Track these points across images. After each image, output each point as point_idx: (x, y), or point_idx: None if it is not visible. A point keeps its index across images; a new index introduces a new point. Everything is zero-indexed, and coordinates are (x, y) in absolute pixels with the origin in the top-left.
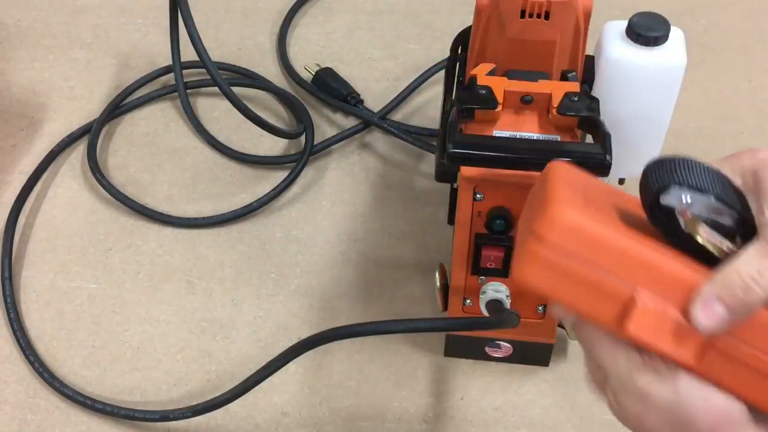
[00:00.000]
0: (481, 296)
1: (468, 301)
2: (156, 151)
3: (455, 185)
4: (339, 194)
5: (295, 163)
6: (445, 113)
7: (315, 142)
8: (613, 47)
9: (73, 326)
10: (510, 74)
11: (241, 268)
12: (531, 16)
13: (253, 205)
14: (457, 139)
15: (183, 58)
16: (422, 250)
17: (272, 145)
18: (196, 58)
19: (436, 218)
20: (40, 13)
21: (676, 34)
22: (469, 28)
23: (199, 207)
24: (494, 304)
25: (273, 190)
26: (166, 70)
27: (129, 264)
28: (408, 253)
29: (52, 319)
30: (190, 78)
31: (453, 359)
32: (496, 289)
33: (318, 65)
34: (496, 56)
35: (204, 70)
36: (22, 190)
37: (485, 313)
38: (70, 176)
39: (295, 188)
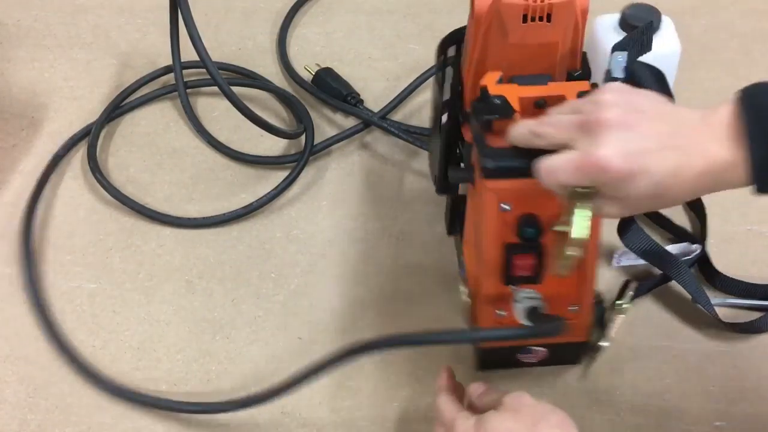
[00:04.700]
0: (516, 305)
1: (501, 311)
2: (156, 151)
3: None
4: (339, 194)
5: (295, 163)
6: (436, 122)
7: (315, 142)
8: (609, 40)
9: (73, 326)
10: (515, 80)
11: (241, 268)
12: (533, 19)
13: (253, 204)
14: (490, 153)
15: (183, 58)
16: (422, 250)
17: (272, 145)
18: (196, 57)
19: (435, 218)
20: (40, 13)
21: (666, 22)
22: (452, 34)
23: (199, 207)
24: (534, 312)
25: (273, 190)
26: (166, 70)
27: (129, 264)
28: (408, 253)
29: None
30: (190, 78)
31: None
32: (530, 296)
33: (318, 65)
34: (497, 64)
35: (204, 70)
36: (31, 197)
37: (523, 322)
38: (70, 176)
39: (295, 188)
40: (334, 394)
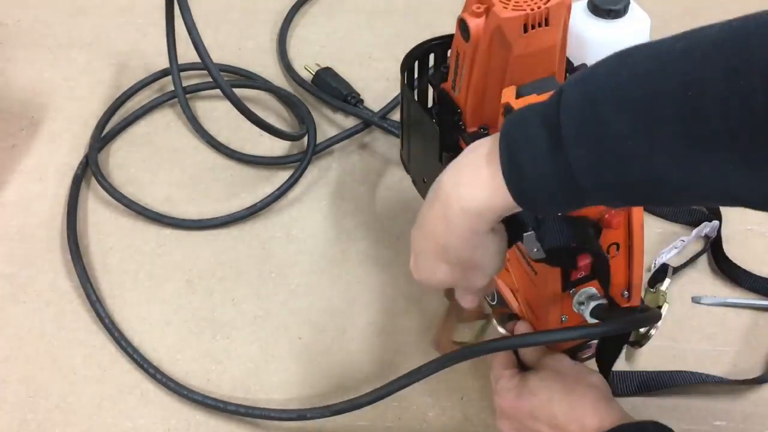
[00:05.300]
0: (580, 308)
1: (564, 317)
2: (156, 151)
3: None
4: (339, 194)
5: (297, 164)
6: (407, 141)
7: (316, 142)
8: (581, 25)
9: (73, 326)
10: (522, 89)
11: (241, 268)
12: (533, 27)
13: (257, 205)
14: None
15: (184, 60)
16: None
17: (272, 146)
18: (197, 59)
19: None
20: (40, 13)
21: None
22: (415, 49)
23: (199, 207)
24: (601, 309)
25: (276, 190)
26: (165, 73)
27: (129, 264)
28: (407, 252)
29: (52, 319)
30: (192, 81)
31: None
32: (590, 295)
33: (318, 65)
34: (499, 78)
35: (204, 72)
36: (68, 217)
37: (590, 321)
38: (70, 177)
39: (295, 188)
40: (334, 394)
